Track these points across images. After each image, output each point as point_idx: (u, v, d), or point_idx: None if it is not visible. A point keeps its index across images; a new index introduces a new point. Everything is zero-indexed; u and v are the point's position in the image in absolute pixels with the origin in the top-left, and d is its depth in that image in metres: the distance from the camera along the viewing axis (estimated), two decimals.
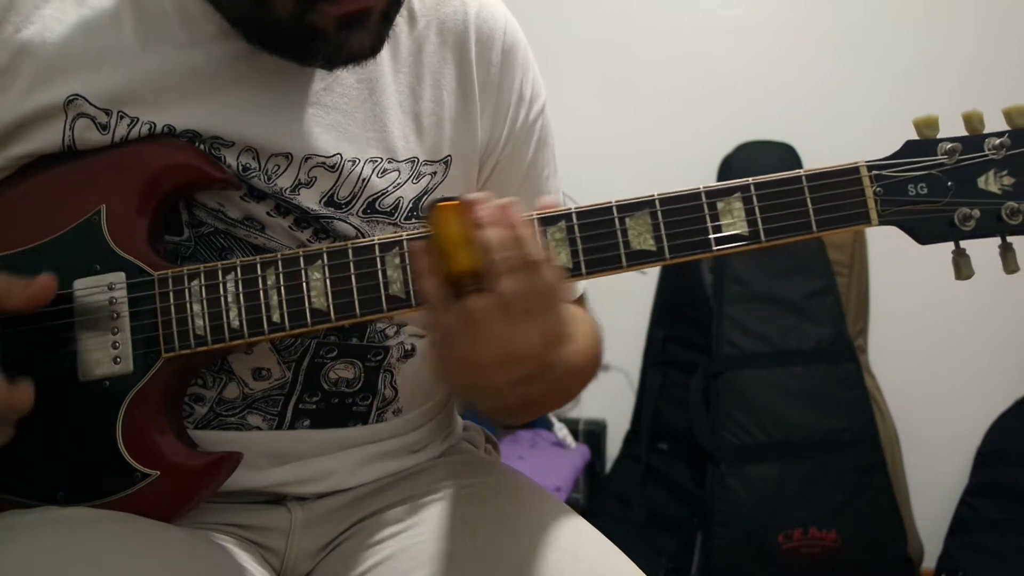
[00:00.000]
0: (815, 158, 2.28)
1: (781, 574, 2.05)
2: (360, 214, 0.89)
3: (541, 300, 0.72)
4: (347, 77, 0.89)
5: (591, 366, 0.97)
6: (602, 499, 2.31)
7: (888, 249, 2.26)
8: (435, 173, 0.92)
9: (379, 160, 0.89)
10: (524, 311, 0.71)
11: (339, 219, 0.87)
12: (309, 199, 0.86)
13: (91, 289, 0.81)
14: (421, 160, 0.92)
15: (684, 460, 2.20)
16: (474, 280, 0.71)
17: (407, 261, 0.80)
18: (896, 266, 2.26)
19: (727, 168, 2.35)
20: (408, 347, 0.95)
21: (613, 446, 2.43)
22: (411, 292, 0.80)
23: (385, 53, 0.90)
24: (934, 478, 2.27)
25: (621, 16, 2.42)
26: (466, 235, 0.72)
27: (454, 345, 0.73)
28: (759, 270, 2.22)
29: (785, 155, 2.33)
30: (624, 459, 2.36)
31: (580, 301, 1.05)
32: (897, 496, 2.13)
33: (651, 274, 2.39)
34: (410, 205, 0.91)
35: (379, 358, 0.93)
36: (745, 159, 2.33)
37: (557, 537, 0.85)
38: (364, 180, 0.88)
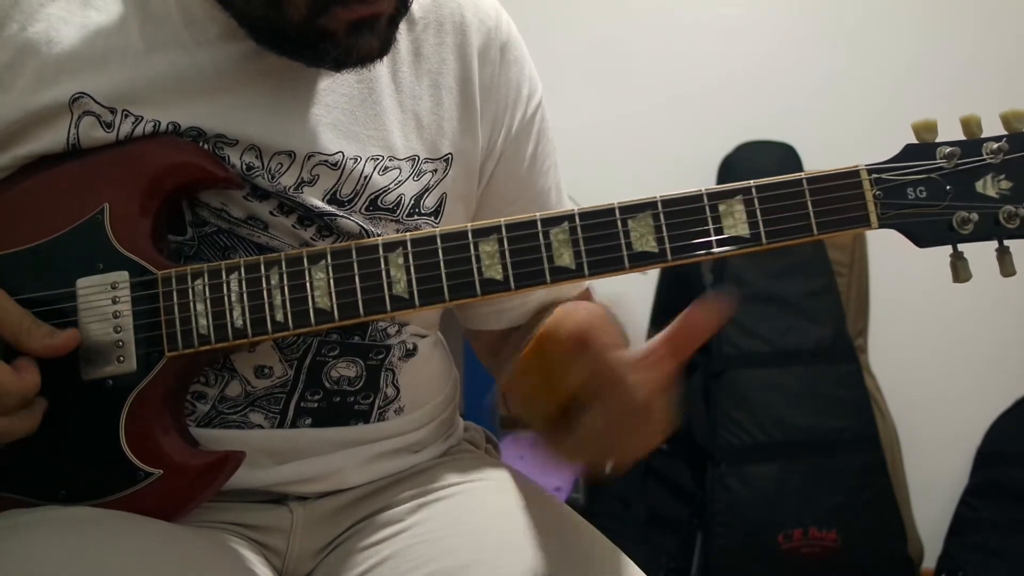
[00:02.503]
0: (815, 158, 2.29)
1: (781, 574, 2.05)
2: (363, 211, 0.89)
3: (650, 409, 0.73)
4: (347, 77, 0.90)
5: None
6: (602, 499, 2.31)
7: (888, 249, 2.26)
8: (436, 171, 0.93)
9: (380, 158, 0.90)
10: (636, 422, 0.73)
11: (342, 216, 0.88)
12: (312, 197, 0.87)
13: (94, 288, 0.81)
14: (421, 158, 0.92)
15: (684, 460, 2.20)
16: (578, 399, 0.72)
17: (411, 261, 0.81)
18: (896, 266, 2.26)
19: (727, 168, 2.35)
20: (410, 346, 0.96)
21: None
22: (415, 292, 0.81)
23: None
24: (934, 478, 2.27)
25: (621, 16, 2.43)
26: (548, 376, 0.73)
27: (565, 447, 0.75)
28: (759, 270, 2.22)
29: (785, 155, 2.33)
30: None
31: (586, 293, 1.06)
32: (897, 496, 2.13)
33: (651, 274, 2.39)
34: (412, 202, 0.91)
35: (380, 356, 0.93)
36: (745, 159, 2.33)
37: (557, 537, 0.85)
38: (366, 178, 0.89)
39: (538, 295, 1.00)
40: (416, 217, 0.91)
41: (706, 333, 0.73)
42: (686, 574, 2.11)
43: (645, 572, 0.85)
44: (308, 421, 0.90)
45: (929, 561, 2.21)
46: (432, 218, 0.93)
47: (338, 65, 0.83)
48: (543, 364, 0.73)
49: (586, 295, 1.06)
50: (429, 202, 0.92)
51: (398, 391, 0.95)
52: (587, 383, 0.71)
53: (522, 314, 1.03)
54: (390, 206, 0.90)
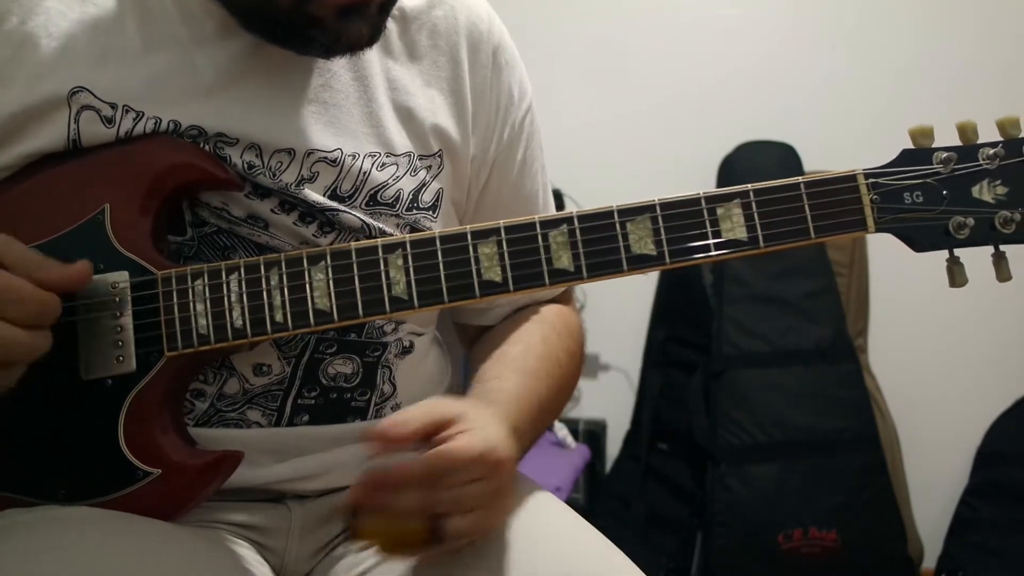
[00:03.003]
0: (815, 158, 2.29)
1: (781, 574, 2.05)
2: (363, 206, 0.90)
3: (484, 492, 0.76)
4: (343, 74, 0.91)
5: (573, 378, 1.03)
6: (602, 499, 2.31)
7: (888, 249, 2.24)
8: (430, 167, 0.94)
9: (377, 154, 0.90)
10: (481, 498, 0.76)
11: (344, 211, 0.88)
12: (313, 193, 0.87)
13: (94, 288, 0.82)
14: (416, 155, 0.93)
15: (684, 460, 2.20)
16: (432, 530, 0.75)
17: (410, 262, 0.81)
18: (896, 266, 2.26)
19: (727, 168, 2.35)
20: (406, 344, 0.96)
21: (613, 446, 2.44)
22: (414, 293, 0.81)
23: (378, 52, 0.92)
24: (934, 478, 2.28)
25: (621, 16, 2.43)
26: (394, 521, 0.74)
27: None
28: (759, 271, 2.22)
29: (785, 155, 2.32)
30: (624, 459, 2.36)
31: (565, 295, 1.08)
32: (897, 496, 2.13)
33: (651, 275, 2.39)
34: (410, 197, 0.92)
35: (377, 354, 0.93)
36: (745, 159, 2.33)
37: (557, 537, 0.85)
38: (365, 174, 0.89)
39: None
40: (415, 212, 0.92)
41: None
42: (686, 574, 2.12)
43: (645, 572, 0.85)
44: (305, 418, 0.91)
45: (929, 561, 2.21)
46: (430, 212, 0.93)
47: (327, 52, 0.84)
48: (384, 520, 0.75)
49: (566, 296, 1.08)
50: (427, 197, 0.93)
51: (395, 388, 0.95)
52: (428, 499, 0.74)
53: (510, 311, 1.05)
54: (389, 201, 0.91)
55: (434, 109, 0.94)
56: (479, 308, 1.04)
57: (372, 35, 0.84)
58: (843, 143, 2.22)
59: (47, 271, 0.76)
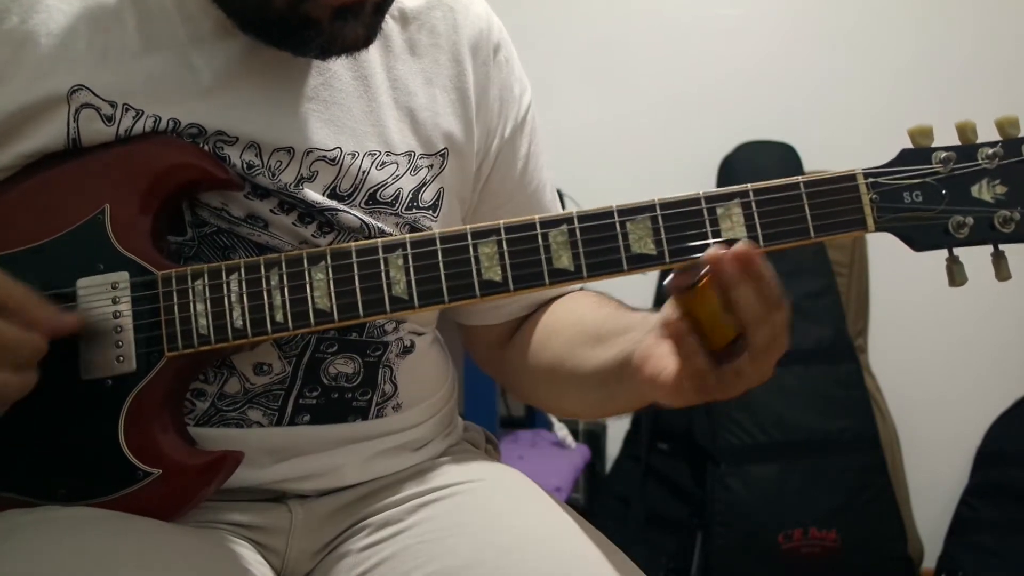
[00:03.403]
0: (815, 158, 2.29)
1: (781, 574, 2.06)
2: (363, 206, 0.89)
3: (783, 336, 0.77)
4: (343, 72, 0.91)
5: None
6: (602, 499, 2.31)
7: (888, 250, 2.24)
8: (432, 166, 0.94)
9: (377, 153, 0.90)
10: (773, 351, 0.76)
11: (343, 211, 0.88)
12: (313, 193, 0.87)
13: (94, 288, 0.82)
14: (417, 154, 0.93)
15: (684, 460, 2.20)
16: (733, 343, 0.75)
17: (410, 262, 0.81)
18: (896, 266, 2.26)
19: (727, 168, 2.35)
20: (407, 343, 0.96)
21: (613, 446, 2.44)
22: (414, 293, 0.81)
23: (378, 51, 0.92)
24: (934, 478, 2.28)
25: (621, 16, 2.43)
26: (721, 305, 0.74)
27: (712, 393, 0.77)
28: None
29: (785, 155, 2.32)
30: (624, 459, 2.36)
31: None
32: (897, 496, 2.13)
33: (651, 274, 2.39)
34: (410, 196, 0.92)
35: (378, 353, 0.93)
36: (745, 159, 2.33)
37: (557, 537, 0.85)
38: (364, 173, 0.89)
39: None
40: (415, 211, 0.92)
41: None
42: (686, 574, 2.12)
43: (645, 572, 0.85)
44: (307, 418, 0.91)
45: (929, 561, 2.21)
46: (431, 212, 0.93)
47: (323, 53, 0.84)
48: (709, 299, 0.74)
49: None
50: (427, 196, 0.93)
51: (396, 387, 0.95)
52: (753, 307, 0.74)
53: (523, 307, 1.04)
54: (389, 200, 0.91)
55: (437, 107, 0.94)
56: (483, 308, 1.04)
57: (368, 36, 0.84)
58: (843, 143, 2.21)
59: (41, 314, 0.77)
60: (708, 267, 0.73)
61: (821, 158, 2.24)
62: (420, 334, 0.98)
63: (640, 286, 2.35)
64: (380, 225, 0.90)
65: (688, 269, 0.75)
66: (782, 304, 0.76)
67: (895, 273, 2.29)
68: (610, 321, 0.93)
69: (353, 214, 0.88)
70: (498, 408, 2.18)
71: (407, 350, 0.96)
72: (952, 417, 2.31)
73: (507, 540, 0.84)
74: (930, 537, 2.21)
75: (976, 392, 2.29)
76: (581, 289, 1.06)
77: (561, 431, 2.28)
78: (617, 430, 2.42)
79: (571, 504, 1.09)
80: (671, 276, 0.75)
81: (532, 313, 1.04)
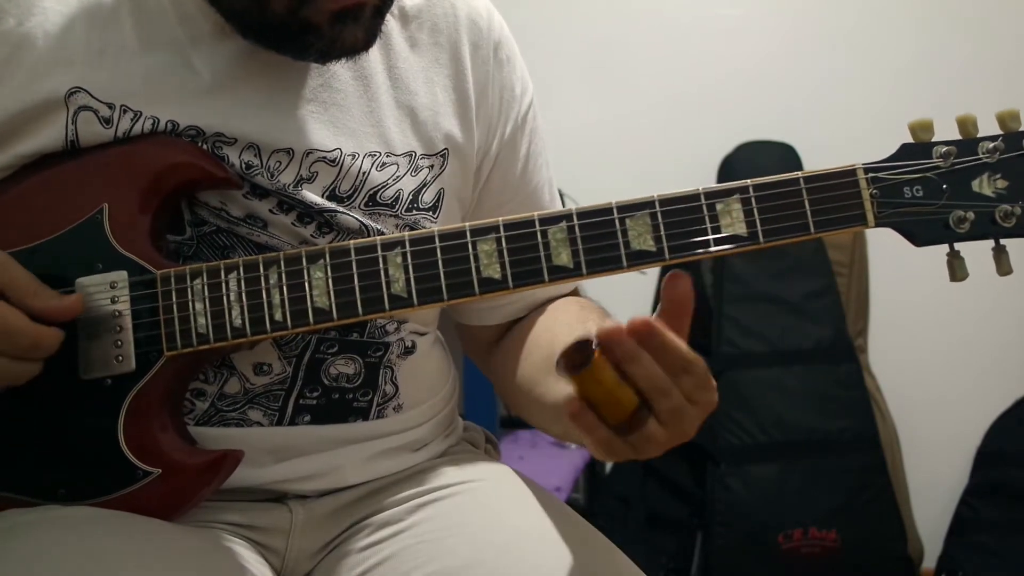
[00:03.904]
0: (815, 158, 2.29)
1: (781, 574, 2.06)
2: (362, 207, 0.89)
3: (702, 396, 0.73)
4: (343, 73, 0.90)
5: None
6: (602, 499, 2.31)
7: (888, 249, 2.26)
8: (432, 166, 0.93)
9: (378, 154, 0.90)
10: (686, 416, 0.72)
11: (342, 212, 0.88)
12: (311, 194, 0.87)
13: (93, 288, 0.81)
14: (418, 154, 0.93)
15: (684, 460, 2.20)
16: (638, 411, 0.72)
17: (409, 260, 0.81)
18: (896, 266, 2.26)
19: (727, 168, 2.35)
20: (408, 344, 0.96)
21: None
22: (413, 291, 0.81)
23: (378, 50, 0.92)
24: (934, 478, 2.28)
25: (621, 16, 2.43)
26: (616, 380, 0.71)
27: (629, 456, 0.74)
28: (759, 270, 2.22)
29: (785, 155, 2.33)
30: None
31: (574, 294, 1.07)
32: (897, 496, 2.13)
33: (651, 274, 2.39)
34: (410, 197, 0.92)
35: (379, 354, 0.93)
36: (745, 159, 2.33)
37: (557, 537, 0.85)
38: (364, 174, 0.89)
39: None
40: (415, 212, 0.92)
41: (688, 303, 0.73)
42: (686, 574, 2.12)
43: (645, 572, 0.85)
44: (307, 418, 0.90)
45: (929, 561, 2.21)
46: (430, 213, 0.93)
47: (323, 57, 0.84)
48: (604, 375, 0.71)
49: (575, 290, 1.08)
50: (427, 197, 0.93)
51: (397, 388, 0.95)
52: (652, 379, 0.71)
53: (521, 308, 1.04)
54: (389, 201, 0.90)
55: (437, 106, 0.94)
56: (482, 307, 1.04)
57: (367, 39, 0.84)
58: (843, 143, 2.20)
59: (42, 300, 0.78)
60: (597, 344, 0.70)
61: (821, 158, 2.22)
62: (422, 334, 0.98)
63: (640, 286, 2.36)
64: (379, 227, 0.89)
65: (579, 346, 0.71)
66: (691, 367, 0.72)
67: (895, 273, 2.29)
68: (562, 328, 0.93)
69: (352, 216, 0.88)
70: (498, 408, 2.18)
71: (408, 351, 0.96)
72: (952, 417, 2.31)
73: (507, 540, 0.84)
74: (930, 537, 2.21)
75: (976, 392, 2.29)
76: (575, 290, 1.06)
77: None
78: None
79: (571, 504, 1.09)
80: (559, 355, 0.71)
81: (524, 317, 1.04)
